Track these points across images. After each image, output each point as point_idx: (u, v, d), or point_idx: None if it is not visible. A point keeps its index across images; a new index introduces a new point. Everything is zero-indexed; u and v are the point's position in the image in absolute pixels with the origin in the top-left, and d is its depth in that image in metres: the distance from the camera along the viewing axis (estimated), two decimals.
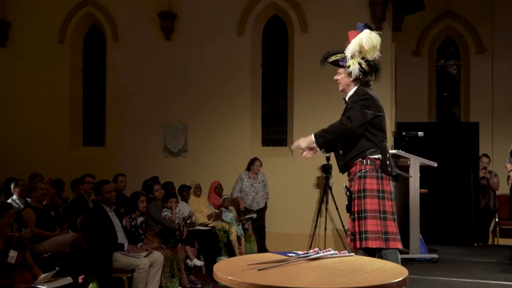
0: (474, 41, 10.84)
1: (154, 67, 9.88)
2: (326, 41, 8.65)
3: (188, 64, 9.72)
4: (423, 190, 7.34)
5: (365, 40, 4.20)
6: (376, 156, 4.20)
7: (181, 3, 9.75)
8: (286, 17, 9.60)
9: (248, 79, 9.59)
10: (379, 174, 4.18)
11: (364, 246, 4.12)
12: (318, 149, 4.25)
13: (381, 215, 4.14)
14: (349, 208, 4.31)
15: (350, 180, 4.34)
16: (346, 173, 4.42)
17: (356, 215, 4.23)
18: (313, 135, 4.20)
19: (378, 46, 4.24)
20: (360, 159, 4.21)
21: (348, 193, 4.29)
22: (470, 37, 10.89)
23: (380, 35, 4.30)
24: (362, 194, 4.18)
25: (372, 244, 4.10)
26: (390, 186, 4.25)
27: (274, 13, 9.76)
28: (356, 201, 4.22)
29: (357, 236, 4.20)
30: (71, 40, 10.36)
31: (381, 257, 4.05)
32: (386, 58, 8.76)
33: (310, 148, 4.24)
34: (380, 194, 4.16)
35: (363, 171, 4.19)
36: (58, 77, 10.29)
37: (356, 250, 4.16)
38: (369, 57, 4.23)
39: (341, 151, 4.34)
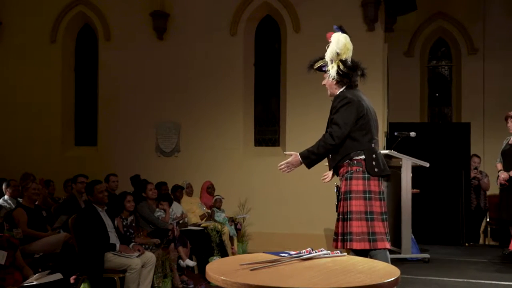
0: (466, 42, 10.90)
1: (146, 66, 9.86)
2: (319, 41, 8.58)
3: (181, 64, 9.71)
4: (415, 190, 7.37)
5: (335, 43, 4.32)
6: (362, 157, 4.22)
7: (174, 3, 9.73)
8: (278, 17, 9.61)
9: (240, 79, 9.60)
10: (366, 175, 4.21)
11: (348, 247, 4.16)
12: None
13: (368, 216, 4.16)
14: (337, 209, 4.35)
15: (340, 181, 4.39)
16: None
17: (341, 216, 4.27)
18: (299, 155, 4.26)
19: (349, 45, 4.32)
20: (347, 161, 4.25)
21: (337, 193, 4.33)
22: (461, 38, 10.95)
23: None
24: (348, 195, 4.22)
25: (357, 245, 4.13)
26: (378, 186, 4.26)
27: (266, 13, 9.77)
28: (342, 202, 4.27)
29: (340, 237, 4.24)
30: (63, 39, 10.32)
31: (370, 258, 4.07)
32: (378, 59, 8.82)
33: (294, 165, 4.30)
34: (367, 195, 4.19)
35: (349, 172, 4.24)
36: (50, 77, 10.25)
37: (348, 251, 4.17)
38: (344, 57, 4.30)
39: (330, 155, 4.38)
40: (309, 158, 4.25)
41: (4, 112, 10.37)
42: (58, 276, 4.88)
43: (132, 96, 9.90)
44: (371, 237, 4.14)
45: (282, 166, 4.31)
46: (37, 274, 4.84)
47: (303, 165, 4.32)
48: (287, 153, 4.39)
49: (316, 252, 3.12)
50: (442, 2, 11.00)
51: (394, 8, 9.39)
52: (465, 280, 6.15)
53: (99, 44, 10.22)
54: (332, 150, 4.25)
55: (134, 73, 9.91)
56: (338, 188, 4.37)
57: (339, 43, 4.31)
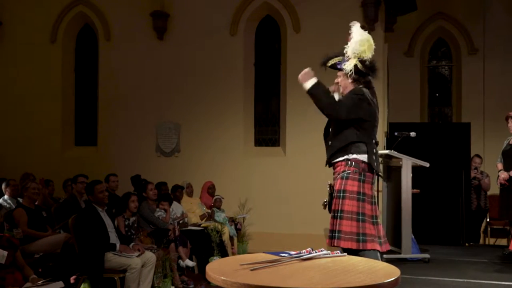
0: (466, 42, 10.90)
1: (146, 66, 9.86)
2: (319, 41, 8.69)
3: (181, 64, 9.71)
4: (415, 190, 7.37)
5: (359, 40, 4.29)
6: (361, 158, 4.24)
7: (174, 3, 9.73)
8: (278, 17, 9.60)
9: (240, 79, 9.59)
10: (362, 177, 4.24)
11: (335, 245, 4.20)
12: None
13: (360, 217, 4.19)
14: (330, 206, 4.37)
15: (334, 179, 4.41)
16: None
17: (333, 214, 4.33)
18: (316, 80, 4.27)
19: (373, 45, 4.31)
20: (346, 159, 4.26)
21: (330, 191, 4.36)
22: (461, 38, 10.95)
23: (371, 34, 4.38)
24: (341, 194, 4.25)
25: (344, 244, 4.17)
26: (371, 190, 4.31)
27: (267, 13, 9.76)
28: (335, 200, 4.31)
29: (329, 234, 4.32)
30: (63, 39, 10.32)
31: None
32: (378, 59, 8.68)
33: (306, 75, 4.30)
34: (361, 197, 4.22)
35: (346, 171, 4.27)
36: (50, 77, 10.25)
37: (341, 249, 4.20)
38: (365, 56, 4.28)
39: (329, 142, 4.43)
40: (316, 89, 4.26)
41: (4, 112, 10.37)
42: (59, 284, 4.87)
43: (132, 96, 9.90)
44: (361, 237, 4.17)
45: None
46: (39, 282, 4.83)
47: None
48: None
49: (316, 252, 3.12)
50: (442, 2, 11.00)
51: (394, 8, 9.39)
52: (465, 280, 6.15)
53: (99, 44, 10.21)
54: (321, 106, 4.24)
55: (134, 73, 9.90)
56: (331, 186, 4.40)
57: (364, 41, 4.28)
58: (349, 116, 4.19)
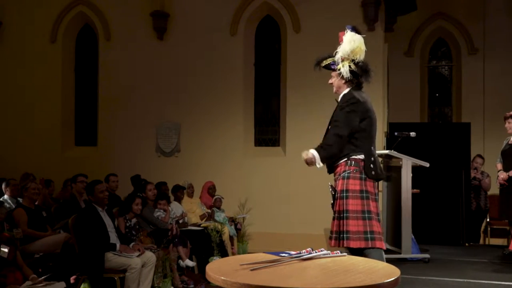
0: (466, 42, 10.90)
1: (146, 66, 9.86)
2: (319, 41, 8.69)
3: (181, 64, 9.71)
4: (415, 190, 7.37)
5: (347, 43, 4.33)
6: (361, 157, 4.25)
7: (174, 3, 9.74)
8: (279, 17, 9.60)
9: (240, 79, 9.59)
10: (363, 176, 4.25)
11: (345, 245, 4.21)
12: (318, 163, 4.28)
13: (366, 215, 4.20)
14: (333, 207, 4.39)
15: (335, 180, 4.41)
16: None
17: (337, 215, 4.31)
18: (314, 151, 4.24)
19: (362, 47, 4.34)
20: (345, 160, 4.28)
21: (333, 192, 4.36)
22: (461, 38, 10.95)
23: (364, 37, 4.41)
24: (344, 194, 4.26)
25: (354, 244, 4.17)
26: (374, 187, 4.32)
27: (267, 13, 9.77)
28: (338, 200, 4.31)
29: (334, 235, 4.31)
30: (63, 39, 10.32)
31: (365, 256, 4.09)
32: (378, 59, 8.82)
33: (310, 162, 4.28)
34: (364, 195, 4.23)
35: (347, 171, 4.28)
36: (50, 77, 10.25)
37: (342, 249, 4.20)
38: (356, 58, 4.32)
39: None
40: (320, 154, 4.24)
41: (4, 112, 10.37)
42: (61, 285, 4.88)
43: (132, 96, 9.90)
44: (369, 235, 4.17)
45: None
46: (41, 278, 4.84)
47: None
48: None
49: (316, 252, 3.12)
50: (442, 2, 11.01)
51: (394, 8, 9.39)
52: (465, 280, 6.15)
53: (99, 44, 10.22)
54: (332, 148, 4.24)
55: (134, 73, 9.90)
56: (332, 187, 4.40)
57: (352, 43, 4.32)
58: (348, 131, 4.22)
